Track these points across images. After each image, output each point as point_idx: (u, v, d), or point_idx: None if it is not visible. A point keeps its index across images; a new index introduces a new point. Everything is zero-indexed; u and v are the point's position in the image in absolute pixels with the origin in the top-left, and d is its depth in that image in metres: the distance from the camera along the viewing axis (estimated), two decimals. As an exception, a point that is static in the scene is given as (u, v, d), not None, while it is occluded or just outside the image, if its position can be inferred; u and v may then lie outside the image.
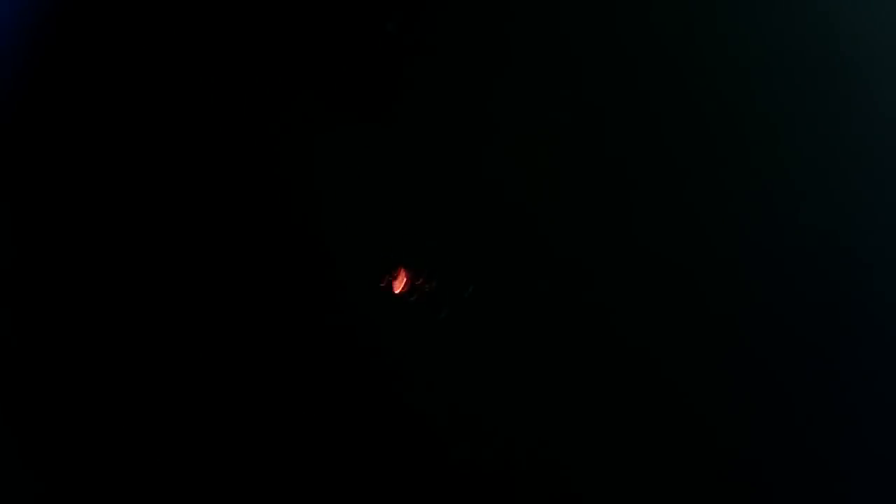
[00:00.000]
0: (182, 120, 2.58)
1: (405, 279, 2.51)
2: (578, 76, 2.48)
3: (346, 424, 2.47)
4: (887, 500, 2.27)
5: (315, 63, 2.58)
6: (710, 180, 2.37)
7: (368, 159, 2.55)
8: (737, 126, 2.37)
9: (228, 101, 2.58)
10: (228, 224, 2.55)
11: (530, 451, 2.40)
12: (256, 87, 2.59)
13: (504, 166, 2.47)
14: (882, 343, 2.28)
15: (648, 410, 2.36)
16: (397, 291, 2.51)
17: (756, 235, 2.35)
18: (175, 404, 2.48)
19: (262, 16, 2.60)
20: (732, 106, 2.37)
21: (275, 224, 2.55)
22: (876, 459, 2.27)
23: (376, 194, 2.55)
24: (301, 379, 2.49)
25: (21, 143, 2.57)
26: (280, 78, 2.57)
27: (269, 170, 2.56)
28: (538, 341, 2.44)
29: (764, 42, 2.38)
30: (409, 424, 2.45)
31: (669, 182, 2.39)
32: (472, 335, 2.46)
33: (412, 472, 2.44)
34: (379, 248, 2.52)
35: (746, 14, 2.39)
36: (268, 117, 2.57)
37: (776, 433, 2.31)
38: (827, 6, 2.34)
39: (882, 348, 2.28)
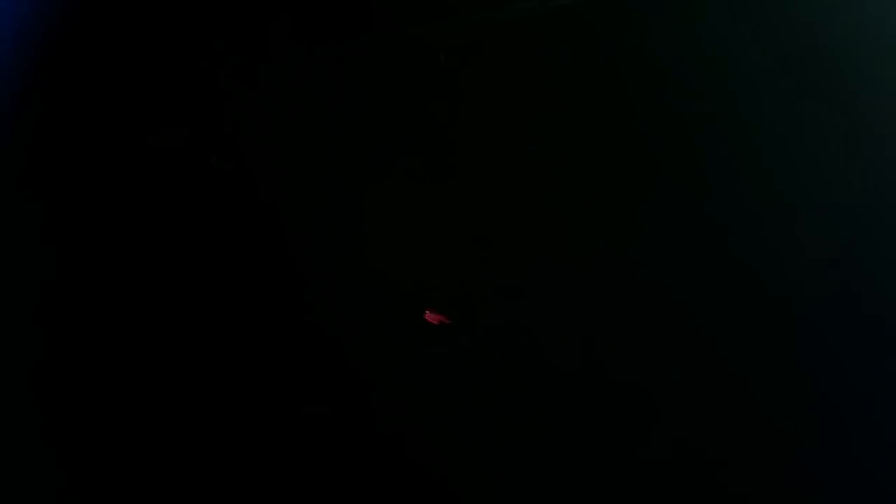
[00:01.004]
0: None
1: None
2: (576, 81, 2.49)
3: (337, 428, 2.50)
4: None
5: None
6: (696, 187, 2.37)
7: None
8: (724, 132, 2.36)
9: (231, 105, 2.63)
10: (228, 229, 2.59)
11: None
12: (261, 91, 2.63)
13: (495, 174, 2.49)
14: (874, 356, 2.27)
15: (631, 425, 2.37)
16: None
17: (745, 245, 2.35)
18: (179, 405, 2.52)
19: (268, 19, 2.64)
20: (719, 112, 2.37)
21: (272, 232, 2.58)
22: (864, 468, 2.27)
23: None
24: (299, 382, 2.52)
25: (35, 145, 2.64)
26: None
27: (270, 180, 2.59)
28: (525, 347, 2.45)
29: (754, 47, 2.37)
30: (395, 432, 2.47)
31: (653, 188, 2.39)
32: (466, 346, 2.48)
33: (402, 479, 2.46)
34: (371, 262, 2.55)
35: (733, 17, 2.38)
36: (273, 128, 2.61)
37: (759, 444, 2.31)
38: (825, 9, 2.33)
39: (874, 361, 2.27)
